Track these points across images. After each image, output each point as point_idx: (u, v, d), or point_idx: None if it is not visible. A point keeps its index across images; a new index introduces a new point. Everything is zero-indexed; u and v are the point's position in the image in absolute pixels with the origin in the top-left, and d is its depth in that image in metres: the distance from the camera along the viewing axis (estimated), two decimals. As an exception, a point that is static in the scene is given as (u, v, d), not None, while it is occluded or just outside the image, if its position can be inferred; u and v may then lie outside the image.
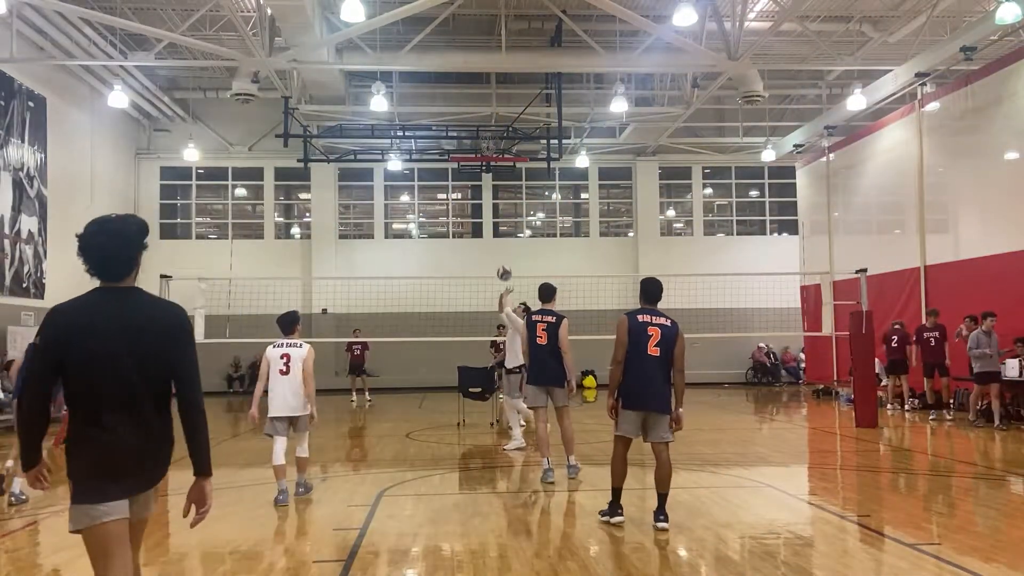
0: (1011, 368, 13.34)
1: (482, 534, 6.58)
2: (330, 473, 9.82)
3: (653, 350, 6.60)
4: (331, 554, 6.05)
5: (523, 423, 11.67)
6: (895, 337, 15.89)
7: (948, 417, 14.21)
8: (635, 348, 6.60)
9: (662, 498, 6.63)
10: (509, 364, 11.52)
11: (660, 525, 6.51)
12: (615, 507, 6.75)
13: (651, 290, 6.92)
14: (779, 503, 7.98)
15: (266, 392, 8.01)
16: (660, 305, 6.87)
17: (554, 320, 8.92)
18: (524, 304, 11.30)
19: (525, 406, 11.17)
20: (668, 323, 6.72)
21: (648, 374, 6.59)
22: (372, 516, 7.23)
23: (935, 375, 14.94)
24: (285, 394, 7.93)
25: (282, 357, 7.96)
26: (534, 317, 8.99)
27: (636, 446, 6.82)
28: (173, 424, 3.45)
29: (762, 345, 25.76)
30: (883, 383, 16.96)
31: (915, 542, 6.08)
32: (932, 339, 14.80)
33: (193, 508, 3.48)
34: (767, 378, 25.78)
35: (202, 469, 3.45)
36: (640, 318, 6.69)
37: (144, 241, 3.47)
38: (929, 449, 11.87)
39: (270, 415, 7.96)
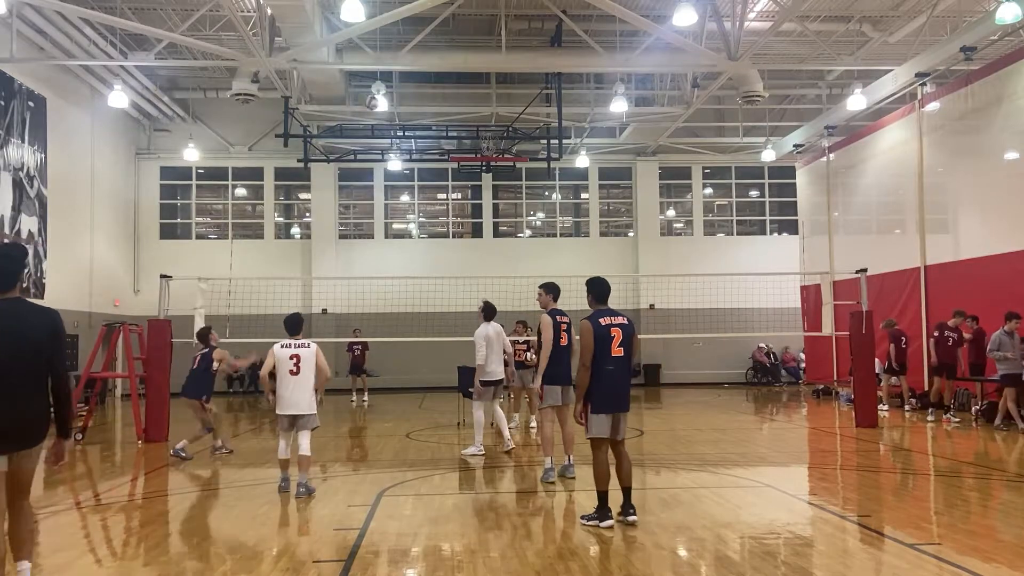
0: None
1: (482, 534, 6.58)
2: (330, 473, 9.81)
3: (617, 351, 6.68)
4: (331, 554, 6.06)
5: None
6: (903, 338, 15.84)
7: (956, 420, 14.09)
8: (601, 351, 6.64)
9: (628, 492, 6.73)
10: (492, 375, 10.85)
11: (631, 519, 6.61)
12: (604, 511, 6.71)
13: (602, 290, 6.97)
14: (779, 503, 7.99)
15: (274, 391, 8.30)
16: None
17: (570, 321, 8.98)
18: (486, 302, 11.19)
19: (482, 414, 11.11)
20: (626, 321, 6.81)
21: (615, 376, 6.68)
22: (372, 516, 7.23)
23: (943, 376, 14.82)
24: (293, 394, 8.20)
25: (291, 358, 8.18)
26: (558, 318, 8.89)
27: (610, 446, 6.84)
28: (48, 402, 4.48)
29: (762, 345, 25.75)
30: (881, 383, 16.92)
31: (915, 542, 6.08)
32: (951, 339, 14.68)
33: (53, 457, 4.60)
34: (767, 378, 25.76)
35: (62, 433, 4.57)
36: (603, 321, 6.73)
37: (25, 262, 4.64)
38: (929, 449, 11.86)
39: (277, 412, 8.29)
